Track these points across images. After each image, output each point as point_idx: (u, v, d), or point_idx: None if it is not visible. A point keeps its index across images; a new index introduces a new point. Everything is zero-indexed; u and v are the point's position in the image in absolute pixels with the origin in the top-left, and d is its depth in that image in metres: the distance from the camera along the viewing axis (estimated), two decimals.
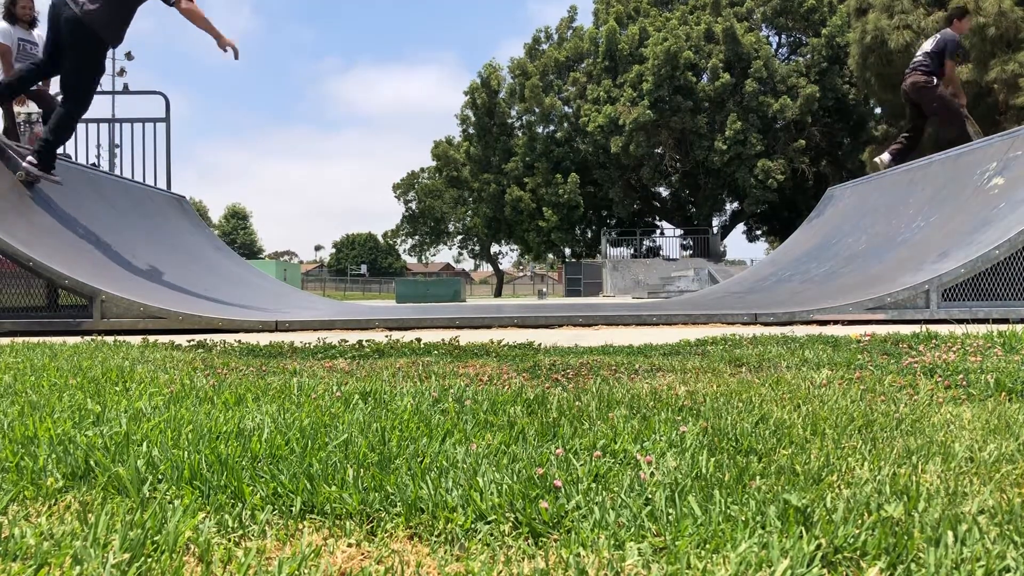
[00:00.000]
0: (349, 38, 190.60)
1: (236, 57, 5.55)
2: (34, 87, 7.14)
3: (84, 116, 8.16)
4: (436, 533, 1.01)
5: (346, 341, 3.74)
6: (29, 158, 5.41)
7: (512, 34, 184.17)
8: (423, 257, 57.95)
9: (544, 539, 0.98)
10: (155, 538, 0.95)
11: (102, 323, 4.88)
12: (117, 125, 9.25)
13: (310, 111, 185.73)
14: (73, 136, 8.56)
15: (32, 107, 6.95)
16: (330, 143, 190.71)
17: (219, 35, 5.45)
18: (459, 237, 51.97)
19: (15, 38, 6.84)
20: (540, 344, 3.57)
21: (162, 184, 8.90)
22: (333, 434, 1.50)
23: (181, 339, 4.04)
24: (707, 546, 0.92)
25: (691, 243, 33.18)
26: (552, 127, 33.88)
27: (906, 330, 3.85)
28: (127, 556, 0.90)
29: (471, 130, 36.00)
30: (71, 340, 3.98)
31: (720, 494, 1.08)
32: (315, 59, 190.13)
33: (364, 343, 3.64)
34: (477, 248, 48.96)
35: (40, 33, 7.12)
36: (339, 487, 1.15)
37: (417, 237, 53.87)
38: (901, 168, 7.71)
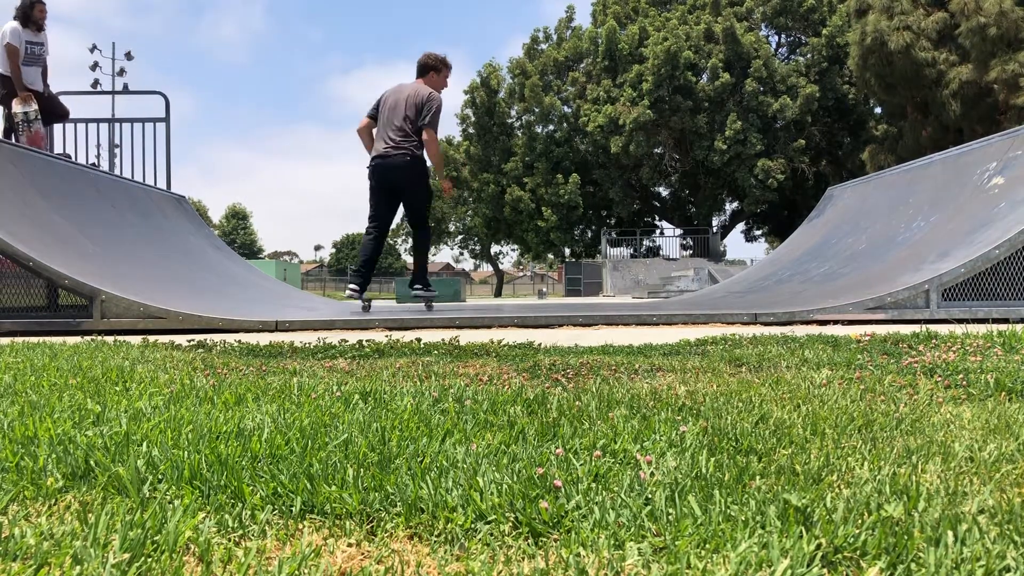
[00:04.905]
0: (355, 36, 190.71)
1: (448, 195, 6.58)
2: (39, 89, 7.16)
3: (83, 116, 8.22)
4: (436, 533, 1.01)
5: (346, 341, 3.74)
6: (418, 287, 6.35)
7: (521, 32, 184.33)
8: None
9: (544, 539, 0.98)
10: (155, 538, 0.95)
11: (102, 323, 4.88)
12: (117, 125, 9.26)
13: (314, 110, 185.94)
14: (73, 136, 8.60)
15: (32, 106, 6.95)
16: (333, 142, 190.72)
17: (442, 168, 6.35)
18: (459, 237, 51.94)
19: (23, 40, 6.91)
20: (540, 344, 3.57)
21: (162, 184, 8.91)
22: (333, 434, 1.50)
23: (181, 339, 4.03)
24: (707, 546, 0.92)
25: (691, 243, 33.19)
26: (552, 127, 33.87)
27: (906, 330, 3.85)
28: (127, 556, 0.90)
29: (471, 130, 35.99)
30: (71, 340, 3.98)
31: (720, 494, 1.08)
32: (320, 57, 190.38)
33: (364, 343, 3.64)
34: (477, 248, 48.89)
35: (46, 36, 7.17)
36: (339, 487, 1.15)
37: None
38: (901, 168, 7.72)
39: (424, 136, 5.98)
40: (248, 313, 5.50)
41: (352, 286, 6.06)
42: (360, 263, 6.20)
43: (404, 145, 5.95)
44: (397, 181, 6.02)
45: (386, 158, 5.94)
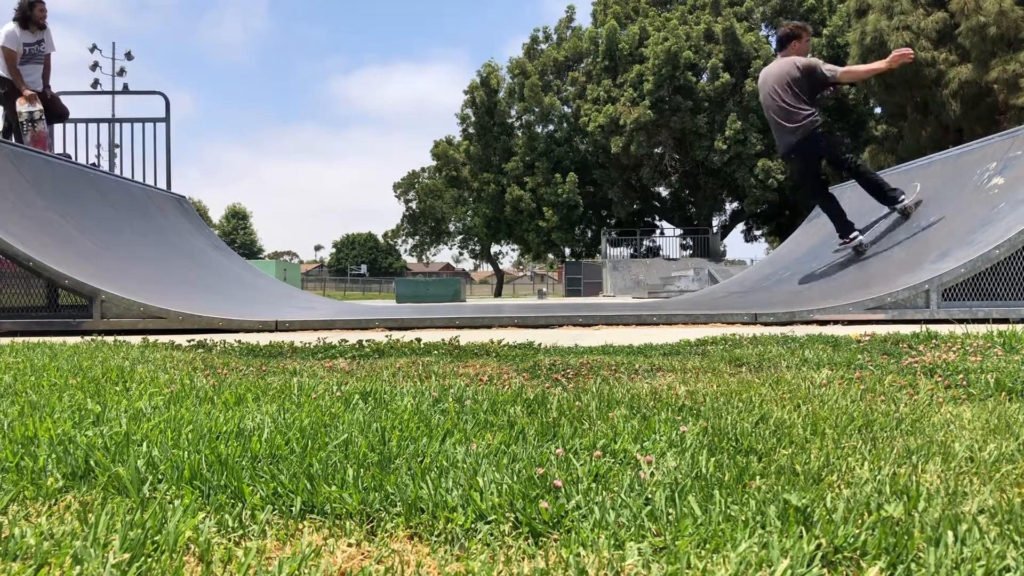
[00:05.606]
0: (356, 36, 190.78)
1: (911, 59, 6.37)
2: (39, 89, 7.15)
3: (83, 116, 8.21)
4: (436, 533, 1.01)
5: (346, 341, 3.74)
6: (903, 199, 6.56)
7: (521, 32, 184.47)
8: (423, 257, 57.96)
9: (544, 539, 0.98)
10: (155, 538, 0.95)
11: (102, 323, 4.88)
12: (117, 125, 9.26)
13: (314, 110, 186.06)
14: (73, 136, 8.60)
15: (36, 106, 6.95)
16: (333, 143, 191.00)
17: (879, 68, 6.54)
18: (459, 237, 51.94)
19: (21, 43, 6.89)
20: (540, 344, 3.57)
21: (162, 184, 8.91)
22: (333, 434, 1.50)
23: (181, 339, 4.03)
24: (707, 546, 0.92)
25: (691, 243, 33.20)
26: (552, 127, 33.88)
27: (906, 330, 3.85)
28: (127, 556, 0.90)
29: (471, 129, 36.00)
30: (71, 340, 3.98)
31: (720, 494, 1.08)
32: (321, 57, 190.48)
33: (364, 343, 3.64)
34: (477, 248, 48.89)
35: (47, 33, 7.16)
36: (339, 487, 1.15)
37: (417, 237, 53.87)
38: (901, 168, 7.72)
39: (842, 79, 6.36)
40: (248, 313, 5.50)
41: (854, 233, 6.55)
42: (838, 216, 6.64)
43: (792, 126, 6.32)
44: (803, 156, 6.42)
45: (787, 145, 6.39)
